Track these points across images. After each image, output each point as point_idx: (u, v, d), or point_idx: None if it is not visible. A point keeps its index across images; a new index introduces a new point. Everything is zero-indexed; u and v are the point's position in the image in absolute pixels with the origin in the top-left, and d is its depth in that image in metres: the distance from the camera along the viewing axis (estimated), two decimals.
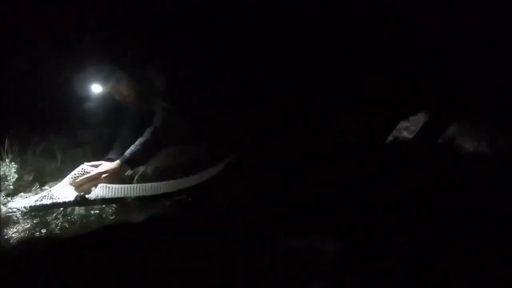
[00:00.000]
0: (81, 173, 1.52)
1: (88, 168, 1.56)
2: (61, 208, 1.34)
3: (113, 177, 1.54)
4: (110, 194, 1.39)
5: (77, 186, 1.44)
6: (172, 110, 1.71)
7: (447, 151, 2.03)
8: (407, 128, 2.28)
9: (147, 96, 1.80)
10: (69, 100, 2.01)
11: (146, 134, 1.67)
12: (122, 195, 1.38)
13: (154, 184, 1.52)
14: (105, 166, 1.59)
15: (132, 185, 1.51)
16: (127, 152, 1.63)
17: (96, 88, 1.70)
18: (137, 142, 1.65)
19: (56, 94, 2.01)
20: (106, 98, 1.78)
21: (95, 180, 1.49)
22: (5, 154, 1.58)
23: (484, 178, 1.69)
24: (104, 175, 1.53)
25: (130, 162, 1.61)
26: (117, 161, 1.61)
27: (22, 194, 1.57)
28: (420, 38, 1.87)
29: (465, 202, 1.51)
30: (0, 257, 1.24)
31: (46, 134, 1.93)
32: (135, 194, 1.39)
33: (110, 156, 1.75)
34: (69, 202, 1.32)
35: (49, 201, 1.34)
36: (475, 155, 2.00)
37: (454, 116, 2.08)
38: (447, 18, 1.77)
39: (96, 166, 1.60)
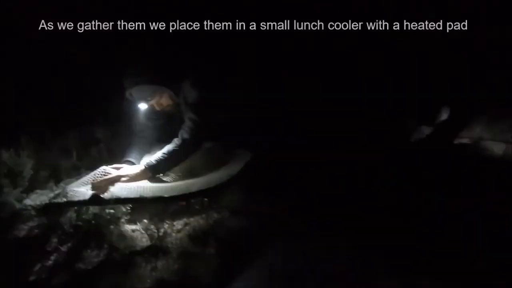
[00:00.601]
0: (101, 174, 1.50)
1: (109, 170, 1.55)
2: (75, 207, 1.32)
3: (133, 181, 1.53)
4: (125, 193, 1.36)
5: (96, 187, 1.42)
6: (203, 126, 1.71)
7: (477, 154, 1.96)
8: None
9: (182, 107, 1.80)
10: (87, 98, 2.02)
11: (174, 144, 1.67)
12: (138, 196, 1.34)
13: (171, 185, 1.48)
14: (127, 169, 1.58)
15: (148, 185, 1.47)
16: (154, 159, 1.62)
17: (142, 106, 1.74)
18: (164, 150, 1.65)
19: (76, 92, 2.02)
20: (130, 103, 1.79)
21: (114, 182, 1.48)
22: (21, 150, 1.57)
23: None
24: (124, 179, 1.51)
25: (154, 170, 1.61)
26: (141, 166, 1.60)
27: (38, 191, 1.57)
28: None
29: (495, 204, 1.44)
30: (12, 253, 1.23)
31: (62, 132, 1.93)
32: (150, 195, 1.35)
33: (128, 158, 1.74)
34: (84, 201, 1.30)
35: (63, 199, 1.32)
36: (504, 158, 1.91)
37: (468, 117, 2.01)
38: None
39: (117, 168, 1.59)
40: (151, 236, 1.35)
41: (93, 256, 1.20)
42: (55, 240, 1.25)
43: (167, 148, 1.67)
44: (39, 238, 1.27)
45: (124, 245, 1.27)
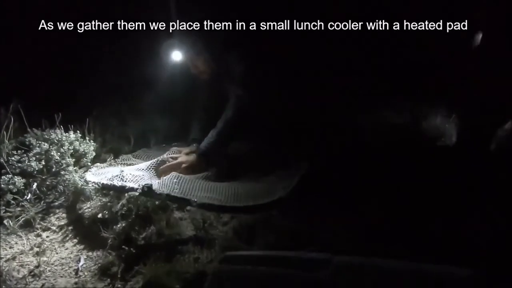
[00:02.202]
0: (160, 161, 1.62)
1: (171, 155, 1.66)
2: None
3: (193, 168, 1.60)
4: (176, 190, 1.36)
5: (160, 172, 1.53)
6: (247, 101, 1.66)
7: None
8: None
9: (222, 80, 1.77)
10: (147, 84, 2.11)
11: (219, 125, 1.66)
12: (188, 197, 1.33)
13: (223, 189, 1.44)
14: (186, 157, 1.65)
15: (201, 185, 1.45)
16: (202, 145, 1.66)
17: (176, 55, 1.73)
18: (210, 135, 1.66)
19: (137, 78, 2.13)
20: (183, 80, 1.83)
21: (176, 169, 1.55)
22: (87, 133, 1.69)
23: None
24: (184, 165, 1.59)
25: (206, 156, 1.64)
26: (194, 154, 1.66)
27: (98, 164, 1.66)
28: None
29: None
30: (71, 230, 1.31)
31: (123, 117, 2.05)
32: (200, 200, 1.33)
33: (195, 137, 1.82)
34: (136, 189, 1.32)
35: (119, 183, 1.37)
36: None
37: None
38: None
39: (179, 151, 1.68)
40: (196, 226, 1.34)
41: (139, 240, 1.22)
42: (109, 219, 1.31)
43: (212, 131, 1.66)
44: (95, 216, 1.34)
45: (170, 232, 1.27)
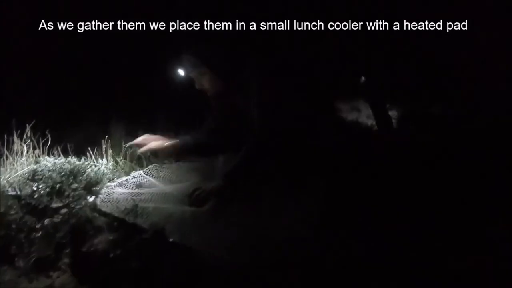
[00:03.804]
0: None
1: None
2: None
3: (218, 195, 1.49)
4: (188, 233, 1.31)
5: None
6: (270, 122, 1.57)
7: None
8: None
9: (231, 97, 1.71)
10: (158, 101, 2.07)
11: (245, 150, 1.56)
12: (201, 243, 1.28)
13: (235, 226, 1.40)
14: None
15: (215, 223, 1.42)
16: (229, 172, 1.52)
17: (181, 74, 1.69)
18: (237, 160, 1.55)
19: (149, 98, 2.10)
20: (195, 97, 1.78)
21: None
22: (102, 158, 1.66)
23: None
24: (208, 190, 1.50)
25: (233, 181, 1.51)
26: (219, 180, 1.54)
27: (109, 184, 1.59)
28: None
29: None
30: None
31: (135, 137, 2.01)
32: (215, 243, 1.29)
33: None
34: (147, 230, 1.29)
35: (131, 220, 1.35)
36: None
37: None
38: None
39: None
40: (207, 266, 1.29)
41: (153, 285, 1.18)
42: (121, 257, 1.28)
43: (239, 157, 1.55)
44: (106, 254, 1.31)
45: (181, 274, 1.24)
